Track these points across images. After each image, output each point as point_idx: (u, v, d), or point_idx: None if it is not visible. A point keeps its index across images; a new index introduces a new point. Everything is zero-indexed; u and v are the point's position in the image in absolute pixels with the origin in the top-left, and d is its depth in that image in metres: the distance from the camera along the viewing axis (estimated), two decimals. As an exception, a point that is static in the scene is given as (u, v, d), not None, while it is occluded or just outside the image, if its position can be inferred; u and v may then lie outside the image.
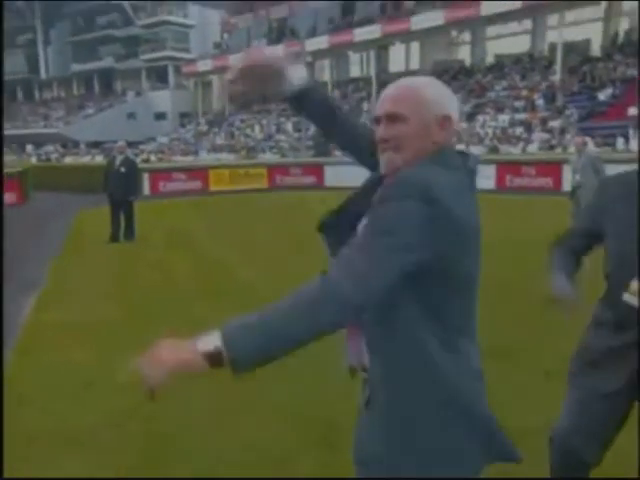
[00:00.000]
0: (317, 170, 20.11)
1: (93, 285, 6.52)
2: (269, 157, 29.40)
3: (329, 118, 1.53)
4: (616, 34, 29.38)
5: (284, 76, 1.45)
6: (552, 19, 30.17)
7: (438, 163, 1.24)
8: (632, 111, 21.34)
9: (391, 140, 1.29)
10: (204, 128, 42.84)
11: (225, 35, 46.86)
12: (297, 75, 1.47)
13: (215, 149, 35.63)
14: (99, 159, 32.55)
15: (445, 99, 1.31)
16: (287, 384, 3.55)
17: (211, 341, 1.08)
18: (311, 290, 1.12)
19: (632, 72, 24.18)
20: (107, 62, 55.28)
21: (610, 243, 1.88)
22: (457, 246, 1.19)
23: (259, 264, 7.21)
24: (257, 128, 38.27)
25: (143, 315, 5.12)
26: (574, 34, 29.51)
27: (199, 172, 19.74)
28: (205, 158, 32.35)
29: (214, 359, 1.07)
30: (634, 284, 1.80)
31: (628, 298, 1.81)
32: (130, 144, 19.56)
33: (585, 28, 30.06)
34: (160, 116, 49.72)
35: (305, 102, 1.49)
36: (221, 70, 44.10)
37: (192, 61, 46.86)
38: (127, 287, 6.39)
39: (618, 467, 1.96)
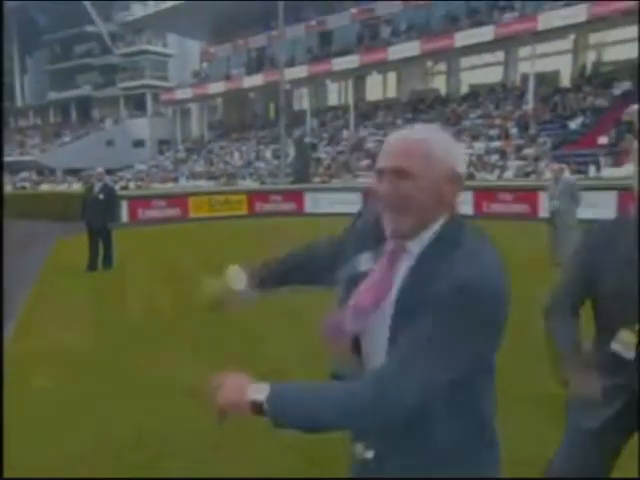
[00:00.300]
0: (297, 197, 20.23)
1: (70, 314, 6.42)
2: (249, 184, 29.50)
3: (291, 279, 1.59)
4: (584, 66, 30.44)
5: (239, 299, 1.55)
6: (523, 51, 31.16)
7: (478, 239, 1.20)
8: (602, 140, 22.03)
9: (396, 199, 1.17)
10: (183, 155, 42.90)
11: (204, 64, 47.32)
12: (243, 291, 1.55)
13: (194, 176, 35.63)
14: (76, 187, 32.27)
15: (455, 153, 1.20)
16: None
17: (260, 392, 1.14)
18: (362, 395, 1.11)
19: (600, 102, 25.01)
20: (84, 90, 55.30)
21: (601, 288, 1.79)
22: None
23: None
24: (236, 155, 38.44)
25: (123, 344, 5.06)
26: (544, 65, 30.48)
27: (178, 199, 19.71)
28: (184, 185, 32.31)
29: (256, 409, 1.14)
30: (622, 334, 1.73)
31: (617, 348, 1.76)
32: (108, 172, 19.48)
33: (555, 60, 31.06)
34: (138, 143, 49.69)
35: (267, 285, 1.57)
36: (200, 98, 44.43)
37: (170, 89, 47.14)
38: (106, 316, 6.31)
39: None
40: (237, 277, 1.52)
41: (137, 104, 52.86)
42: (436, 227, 1.18)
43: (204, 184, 31.44)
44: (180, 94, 44.94)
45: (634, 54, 26.42)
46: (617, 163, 19.85)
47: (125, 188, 29.41)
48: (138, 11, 47.43)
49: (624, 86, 25.20)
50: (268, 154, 36.16)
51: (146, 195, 20.90)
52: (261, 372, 4.26)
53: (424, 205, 1.16)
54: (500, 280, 1.13)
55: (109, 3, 53.67)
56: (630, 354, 1.72)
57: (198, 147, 43.51)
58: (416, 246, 1.19)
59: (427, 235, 1.19)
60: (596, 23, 26.10)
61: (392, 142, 1.21)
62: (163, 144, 48.32)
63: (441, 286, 1.10)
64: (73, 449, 3.19)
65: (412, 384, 1.09)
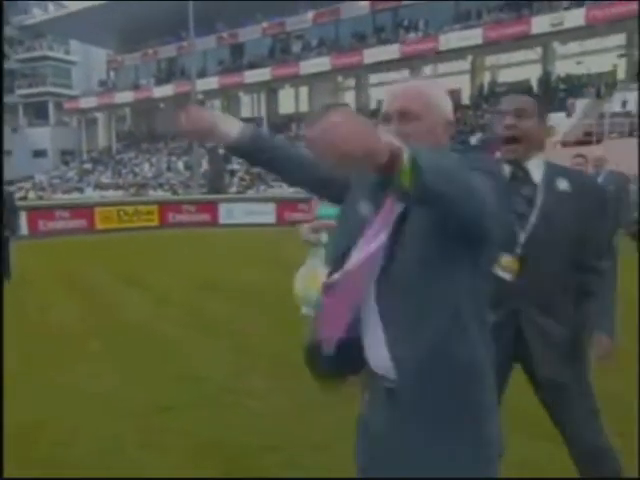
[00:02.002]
0: (211, 207, 19.96)
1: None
2: (160, 195, 28.80)
3: (271, 162, 1.49)
4: (482, 86, 32.64)
5: (218, 130, 1.44)
6: (427, 70, 32.96)
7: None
8: (498, 155, 23.67)
9: (401, 137, 1.17)
10: (89, 166, 41.11)
11: (111, 73, 45.79)
12: (231, 129, 1.45)
13: (101, 187, 34.27)
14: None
15: (448, 103, 1.32)
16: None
17: (394, 141, 1.02)
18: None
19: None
20: (-22, 96, 51.61)
21: None
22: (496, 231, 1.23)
23: (151, 303, 7.01)
24: (146, 166, 37.43)
25: (28, 359, 4.87)
26: (446, 84, 32.37)
27: (84, 210, 18.79)
28: (90, 195, 30.92)
29: (395, 156, 0.99)
30: (504, 258, 1.89)
31: (500, 272, 1.88)
32: (5, 183, 18.31)
33: (455, 79, 33.01)
34: (39, 153, 46.95)
35: (241, 151, 1.47)
36: (107, 107, 42.87)
37: (75, 98, 45.14)
38: (6, 331, 6.00)
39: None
40: (232, 122, 1.48)
41: (38, 112, 50.04)
42: None
43: (112, 194, 30.31)
44: (85, 103, 43.16)
45: (525, 76, 28.72)
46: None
47: (24, 198, 27.69)
48: (38, 15, 45.16)
49: (517, 105, 27.29)
50: (180, 165, 35.53)
51: (49, 205, 19.83)
52: (173, 378, 4.29)
53: (424, 144, 1.23)
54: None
55: (6, 4, 50.65)
56: (508, 276, 1.91)
57: (105, 158, 41.90)
58: None
59: None
60: (490, 46, 28.18)
61: (397, 88, 1.33)
62: (67, 154, 46.01)
63: None
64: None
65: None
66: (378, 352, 1.28)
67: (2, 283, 5.42)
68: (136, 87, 41.61)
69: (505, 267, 1.90)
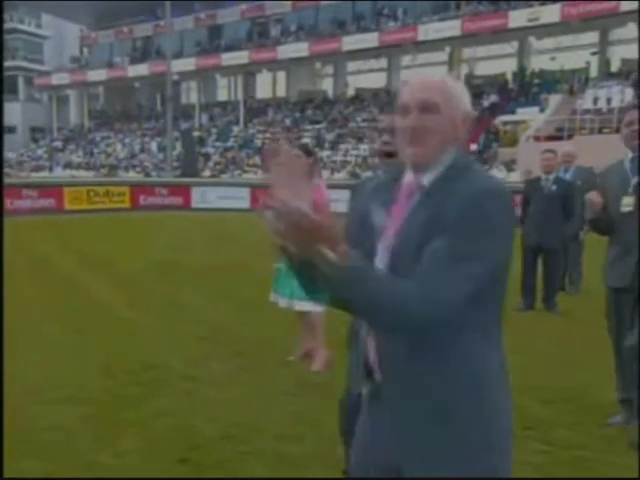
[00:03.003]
0: (184, 191, 19.73)
1: None
2: (132, 176, 28.33)
3: None
4: (458, 77, 32.81)
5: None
6: (405, 60, 32.95)
7: (476, 164, 1.32)
8: (473, 147, 23.89)
9: (421, 130, 1.25)
10: (59, 144, 40.14)
11: (85, 49, 44.60)
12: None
13: (71, 166, 33.53)
14: None
15: (468, 97, 1.32)
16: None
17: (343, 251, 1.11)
18: (407, 293, 1.15)
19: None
20: (-56, 68, 49.77)
21: None
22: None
23: (111, 286, 6.89)
24: (119, 146, 36.73)
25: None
26: (424, 74, 32.39)
27: (53, 189, 18.36)
28: (60, 175, 30.20)
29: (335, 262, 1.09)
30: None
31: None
32: (-29, 157, 17.76)
33: (433, 70, 32.61)
34: (9, 130, 45.62)
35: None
36: (79, 85, 41.83)
37: (46, 73, 43.89)
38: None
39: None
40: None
41: (8, 87, 48.51)
42: (448, 160, 1.28)
43: (83, 174, 29.70)
44: (57, 79, 42.01)
45: (501, 70, 28.95)
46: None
47: (-9, 177, 26.89)
48: (9, -14, 43.54)
49: (492, 99, 27.55)
50: (154, 147, 34.96)
51: (16, 184, 19.32)
52: (130, 364, 4.21)
53: (443, 139, 1.26)
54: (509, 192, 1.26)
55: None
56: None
57: (77, 136, 40.96)
58: (429, 179, 1.28)
59: (439, 168, 1.27)
60: (468, 38, 28.27)
61: (416, 81, 1.32)
62: (37, 131, 44.82)
63: (462, 199, 1.19)
64: None
65: (461, 279, 1.16)
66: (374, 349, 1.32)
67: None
68: (110, 65, 40.64)
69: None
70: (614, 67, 26.97)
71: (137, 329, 5.05)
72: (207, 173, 27.56)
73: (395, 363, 1.27)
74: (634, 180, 2.94)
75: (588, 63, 27.27)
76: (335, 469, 2.53)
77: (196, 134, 32.92)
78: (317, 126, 31.64)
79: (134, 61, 39.99)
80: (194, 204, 19.09)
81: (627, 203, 2.93)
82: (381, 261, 1.27)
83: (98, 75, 40.34)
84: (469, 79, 31.60)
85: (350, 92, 36.17)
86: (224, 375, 3.91)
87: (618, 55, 27.41)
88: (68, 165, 34.13)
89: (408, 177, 1.31)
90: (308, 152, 3.64)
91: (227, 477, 2.65)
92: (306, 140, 29.14)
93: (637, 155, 2.97)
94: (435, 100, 1.24)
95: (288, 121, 33.85)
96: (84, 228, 13.41)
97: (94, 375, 3.88)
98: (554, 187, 5.77)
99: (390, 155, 2.09)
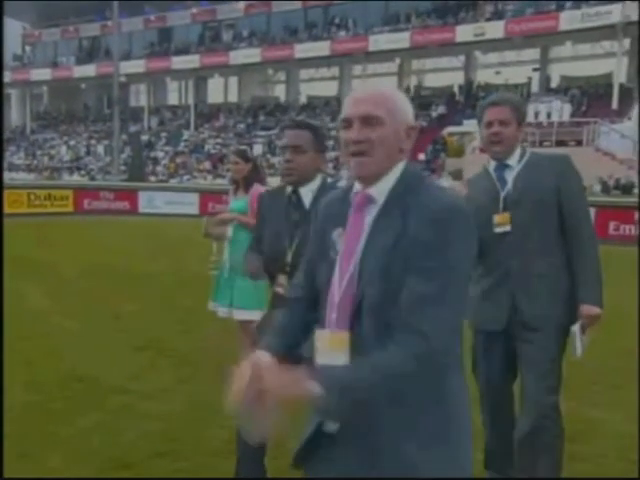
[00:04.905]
0: (131, 195, 19.22)
1: None
2: (76, 179, 27.46)
3: None
4: (408, 88, 33.52)
5: None
6: (356, 69, 33.37)
7: (427, 176, 1.33)
8: (421, 156, 24.39)
9: (364, 143, 1.24)
10: (-1, 145, 38.48)
11: (27, 48, 43.00)
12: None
13: (11, 168, 32.17)
14: None
15: (410, 108, 1.31)
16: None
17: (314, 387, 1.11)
18: (407, 351, 1.13)
19: (420, 122, 27.75)
20: None
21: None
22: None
23: (47, 294, 6.62)
24: (64, 149, 35.54)
25: None
26: (372, 85, 32.90)
27: (-10, 193, 17.61)
28: (-1, 178, 28.91)
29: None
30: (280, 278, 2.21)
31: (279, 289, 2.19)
32: None
33: (383, 80, 33.70)
34: (-58, 129, 43.39)
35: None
36: (22, 84, 40.28)
37: (-15, 71, 42.05)
38: None
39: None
40: None
41: (-58, 84, 46.17)
42: (396, 173, 1.27)
43: (23, 177, 28.57)
44: (-3, 77, 40.26)
45: (448, 82, 29.70)
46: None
47: None
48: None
49: (440, 110, 28.25)
50: (100, 150, 34.02)
51: (-51, 186, 18.35)
52: (60, 376, 4.02)
53: (388, 151, 1.25)
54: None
55: None
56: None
57: (18, 137, 39.38)
58: (380, 194, 1.26)
59: (389, 181, 1.26)
60: (417, 50, 28.94)
61: (359, 93, 1.30)
62: (-26, 131, 42.82)
63: (419, 216, 1.18)
64: None
65: (449, 315, 1.16)
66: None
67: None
68: (55, 65, 39.33)
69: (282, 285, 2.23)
70: (554, 83, 28.23)
71: (71, 338, 4.86)
72: (155, 177, 27.01)
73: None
74: (502, 194, 2.38)
75: (530, 78, 28.43)
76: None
77: (145, 137, 32.23)
78: (269, 132, 31.58)
79: (80, 61, 38.86)
80: (141, 209, 18.61)
81: (500, 221, 2.35)
82: (345, 283, 1.25)
83: (42, 74, 38.97)
84: (418, 90, 32.33)
85: (302, 100, 36.32)
86: (161, 387, 3.79)
87: (557, 72, 28.78)
88: (8, 167, 32.74)
89: (356, 189, 1.31)
90: (246, 158, 3.59)
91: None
92: (258, 146, 29.03)
93: (500, 164, 2.43)
94: (378, 113, 1.24)
95: (240, 127, 33.63)
96: (23, 233, 12.85)
97: (19, 388, 3.69)
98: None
99: (290, 172, 2.19)
